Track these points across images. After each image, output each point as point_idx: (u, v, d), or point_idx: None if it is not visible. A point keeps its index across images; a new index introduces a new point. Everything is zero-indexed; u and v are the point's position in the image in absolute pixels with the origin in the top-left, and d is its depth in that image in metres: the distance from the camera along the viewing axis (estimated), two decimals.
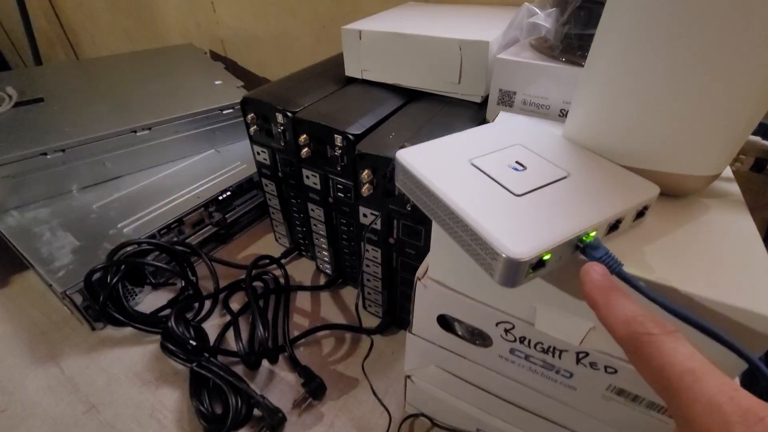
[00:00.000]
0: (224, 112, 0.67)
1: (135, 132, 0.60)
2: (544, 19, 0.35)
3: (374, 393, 0.40)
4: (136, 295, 0.53)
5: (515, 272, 0.19)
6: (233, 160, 0.66)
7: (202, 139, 0.67)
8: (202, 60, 0.84)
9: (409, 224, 0.38)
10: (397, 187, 0.36)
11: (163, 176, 0.63)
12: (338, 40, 0.73)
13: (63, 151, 0.55)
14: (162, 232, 0.54)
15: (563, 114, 0.37)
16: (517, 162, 0.25)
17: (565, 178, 0.24)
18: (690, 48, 0.20)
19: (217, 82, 0.73)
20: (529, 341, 0.26)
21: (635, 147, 0.24)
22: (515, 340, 0.27)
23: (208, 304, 0.51)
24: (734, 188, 0.27)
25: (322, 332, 0.49)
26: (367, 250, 0.44)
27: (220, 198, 0.60)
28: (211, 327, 0.50)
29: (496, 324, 0.27)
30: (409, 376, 0.37)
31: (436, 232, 0.27)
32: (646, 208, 0.23)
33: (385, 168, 0.36)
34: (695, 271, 0.20)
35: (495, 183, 0.23)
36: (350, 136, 0.39)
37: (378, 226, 0.41)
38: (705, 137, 0.22)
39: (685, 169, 0.23)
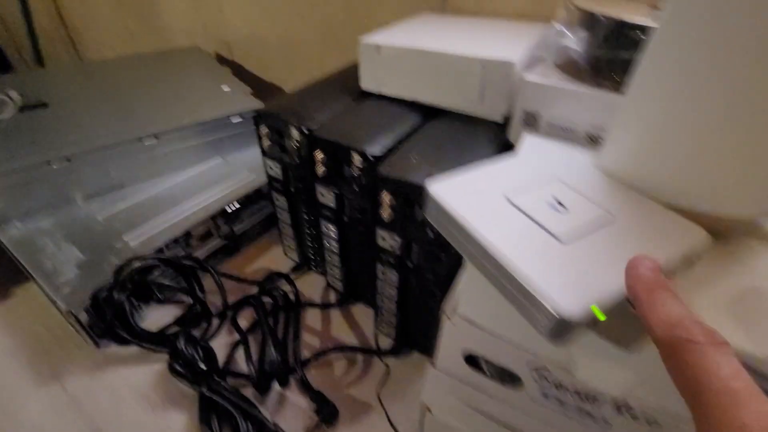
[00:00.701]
0: (233, 120, 0.65)
1: (142, 141, 0.58)
2: (576, 43, 0.34)
3: (391, 423, 0.38)
4: (141, 310, 0.51)
5: (567, 332, 0.18)
6: (241, 169, 0.65)
7: (209, 148, 0.66)
8: (209, 64, 0.83)
9: (431, 250, 0.37)
10: (423, 217, 0.35)
11: (169, 186, 0.61)
12: (349, 47, 0.72)
13: (69, 160, 0.54)
14: (169, 245, 0.53)
15: (591, 139, 0.35)
16: (557, 201, 0.24)
17: (610, 222, 0.22)
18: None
19: (224, 88, 0.72)
20: (566, 387, 0.25)
21: (689, 187, 0.22)
22: (549, 384, 0.26)
23: (216, 321, 0.50)
24: None
25: (334, 353, 0.48)
26: (382, 272, 0.43)
27: (228, 210, 0.58)
28: (219, 345, 0.49)
29: (530, 368, 0.26)
30: (427, 407, 0.36)
31: (470, 270, 0.25)
32: (698, 257, 0.21)
33: (407, 192, 0.35)
34: (758, 329, 0.19)
35: (538, 226, 0.22)
36: (370, 157, 0.37)
37: (397, 250, 0.39)
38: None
39: (742, 211, 0.22)
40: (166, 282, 0.50)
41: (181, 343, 0.42)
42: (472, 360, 0.29)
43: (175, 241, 0.53)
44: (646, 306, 0.16)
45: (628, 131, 0.25)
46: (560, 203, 0.23)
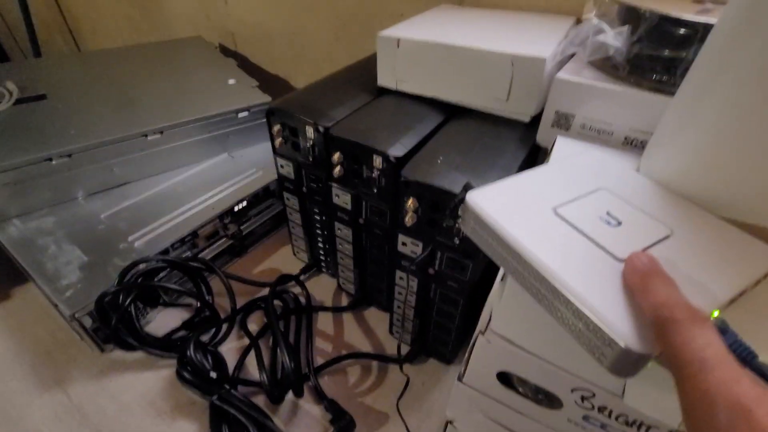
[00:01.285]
0: (239, 115, 0.63)
1: (146, 136, 0.56)
2: (614, 38, 0.32)
3: None
4: (147, 313, 0.49)
5: (634, 364, 0.16)
6: (248, 166, 0.62)
7: (215, 143, 0.64)
8: (213, 55, 0.80)
9: (455, 258, 0.35)
10: (449, 223, 0.33)
11: (173, 183, 0.59)
12: (359, 39, 0.70)
13: (69, 156, 0.51)
14: (175, 246, 0.51)
15: (629, 141, 0.33)
16: (608, 214, 0.22)
17: (667, 237, 0.21)
18: None
19: (230, 81, 0.69)
20: (610, 412, 0.23)
21: (754, 201, 0.20)
22: (593, 408, 0.24)
23: (225, 325, 0.48)
24: None
25: (348, 360, 0.46)
26: (401, 278, 0.41)
27: (236, 209, 0.56)
28: (228, 350, 0.47)
29: (572, 390, 0.24)
30: (450, 422, 0.34)
31: (510, 286, 0.24)
32: (766, 276, 0.20)
33: (433, 197, 0.33)
34: None
35: (592, 244, 0.20)
36: (392, 158, 0.35)
37: (419, 257, 0.38)
38: None
39: None
40: (173, 284, 0.48)
41: (191, 350, 0.40)
42: (504, 376, 0.28)
43: (182, 241, 0.51)
44: (639, 293, 0.17)
45: (684, 137, 0.23)
46: (612, 217, 0.22)
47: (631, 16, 0.32)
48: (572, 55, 0.38)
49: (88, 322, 0.43)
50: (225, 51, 0.90)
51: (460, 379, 0.30)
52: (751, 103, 0.19)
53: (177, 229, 0.51)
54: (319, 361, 0.46)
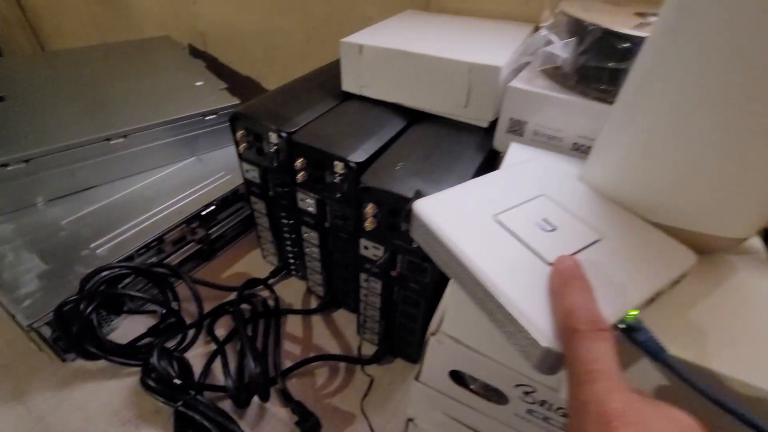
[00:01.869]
0: (207, 118, 0.62)
1: (109, 140, 0.55)
2: (562, 49, 0.34)
3: None
4: (112, 321, 0.49)
5: (555, 362, 0.18)
6: (216, 169, 0.62)
7: (182, 146, 0.63)
8: (181, 56, 0.79)
9: (415, 261, 0.36)
10: (407, 227, 0.34)
11: (139, 187, 0.58)
12: (330, 41, 0.70)
13: (27, 161, 0.50)
14: (140, 252, 0.50)
15: (576, 147, 0.35)
16: (544, 220, 0.23)
17: (597, 241, 0.22)
18: None
19: (198, 83, 0.68)
20: (551, 405, 0.25)
21: (676, 205, 0.22)
22: (535, 403, 0.25)
23: (191, 331, 0.48)
24: (757, 244, 0.26)
25: (316, 362, 0.47)
26: (365, 280, 0.42)
27: (204, 213, 0.56)
28: (195, 356, 0.47)
29: (516, 386, 0.25)
30: (411, 419, 0.35)
31: (455, 289, 0.25)
32: (683, 276, 0.21)
33: (392, 203, 0.34)
34: (738, 351, 0.19)
35: (526, 249, 0.21)
36: (352, 164, 0.36)
37: (381, 260, 0.38)
38: (760, 201, 0.21)
39: (727, 231, 0.22)
40: (137, 291, 0.47)
41: (154, 357, 0.40)
42: (456, 374, 0.29)
43: (147, 246, 0.51)
44: (555, 298, 0.18)
45: (614, 146, 0.24)
46: (548, 223, 0.23)
47: (577, 29, 0.34)
48: (527, 64, 0.40)
49: (47, 332, 0.42)
50: (194, 52, 0.89)
51: (417, 378, 0.31)
52: (673, 114, 0.20)
53: (142, 235, 0.51)
54: (287, 363, 0.46)
